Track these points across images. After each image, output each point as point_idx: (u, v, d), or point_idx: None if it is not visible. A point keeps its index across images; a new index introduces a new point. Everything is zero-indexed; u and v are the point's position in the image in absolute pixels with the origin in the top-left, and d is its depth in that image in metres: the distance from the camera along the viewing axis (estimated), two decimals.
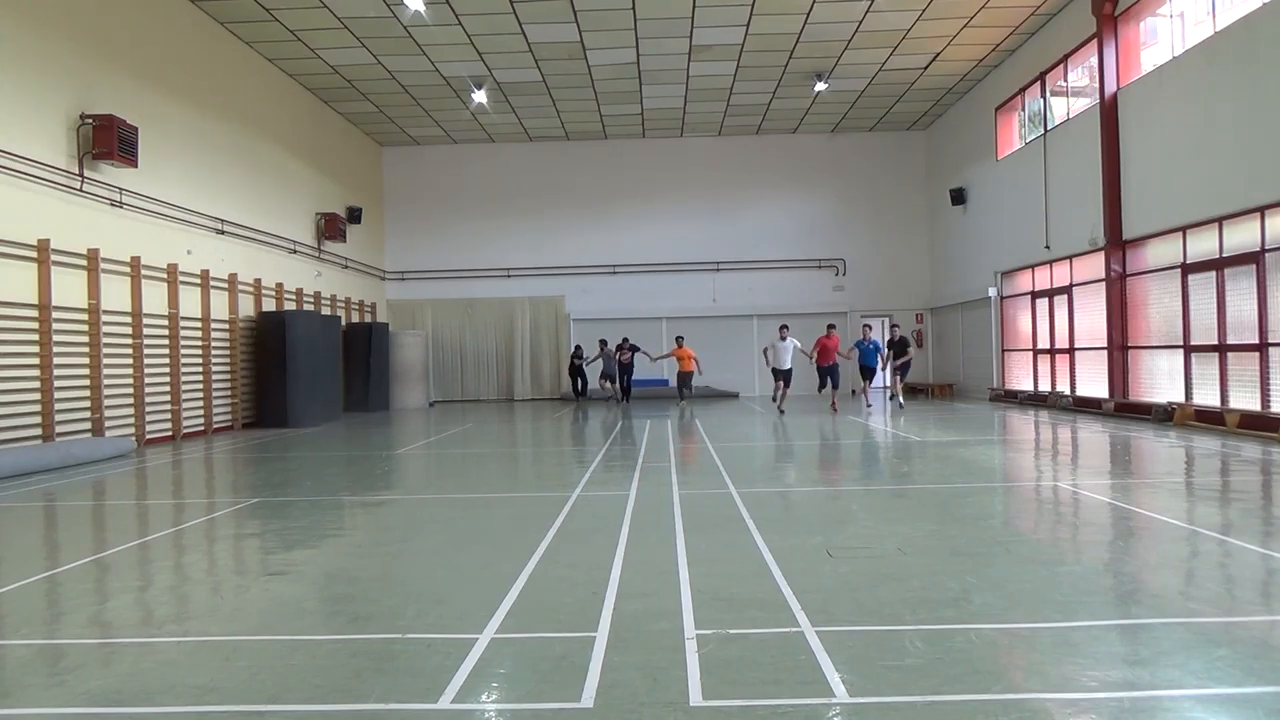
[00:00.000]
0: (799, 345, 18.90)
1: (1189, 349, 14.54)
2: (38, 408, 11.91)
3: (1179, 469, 9.58)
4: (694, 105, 23.41)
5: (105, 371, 13.19)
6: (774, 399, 19.12)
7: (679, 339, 22.43)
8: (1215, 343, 13.89)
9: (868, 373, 19.08)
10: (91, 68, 13.25)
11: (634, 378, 23.70)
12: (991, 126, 21.94)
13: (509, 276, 26.61)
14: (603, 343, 23.75)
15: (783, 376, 18.63)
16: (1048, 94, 19.43)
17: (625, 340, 23.45)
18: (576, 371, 24.55)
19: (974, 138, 23.02)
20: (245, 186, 17.91)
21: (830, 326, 19.57)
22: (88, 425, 12.83)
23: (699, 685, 3.47)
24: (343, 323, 22.24)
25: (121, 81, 13.88)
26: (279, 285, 19.16)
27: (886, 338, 20.66)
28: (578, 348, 24.92)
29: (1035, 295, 20.13)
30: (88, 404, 12.88)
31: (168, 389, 15.00)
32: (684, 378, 21.66)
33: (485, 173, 26.55)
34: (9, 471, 10.28)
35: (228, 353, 17.08)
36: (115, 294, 13.58)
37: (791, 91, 22.32)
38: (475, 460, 11.91)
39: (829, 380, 18.91)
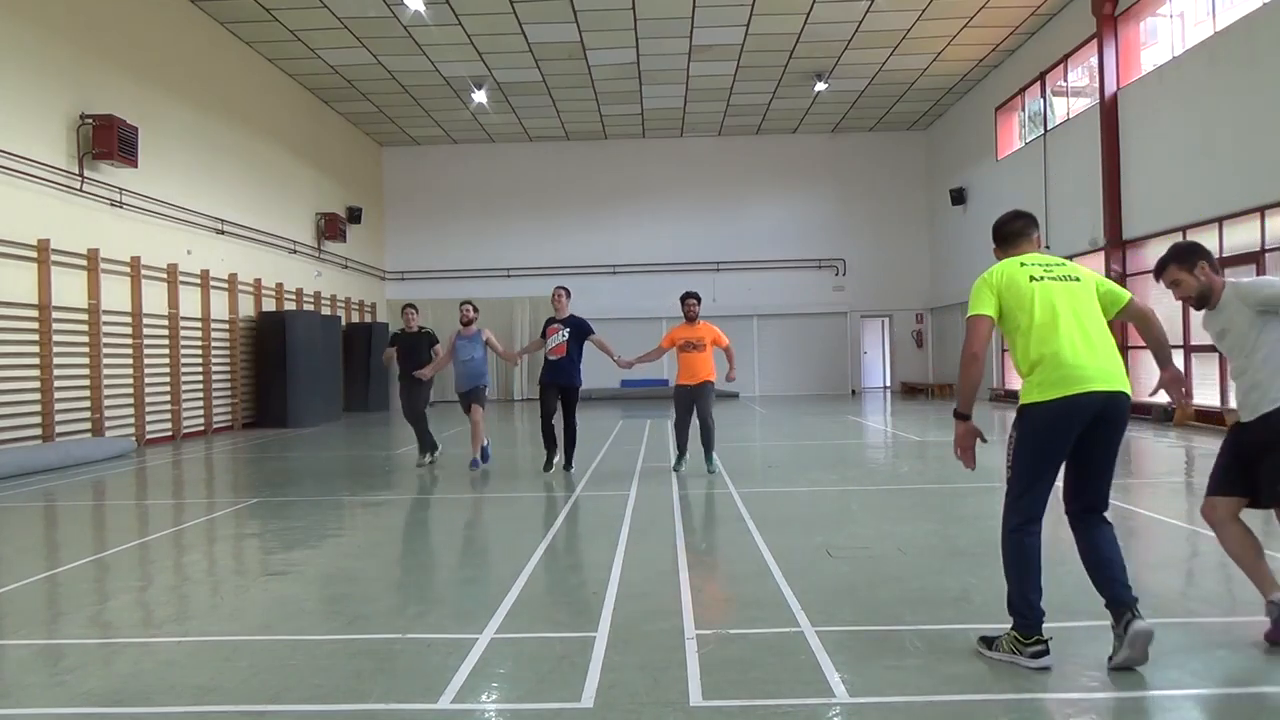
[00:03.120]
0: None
1: (1189, 349, 14.52)
2: (38, 408, 11.90)
3: (1179, 469, 9.57)
4: (694, 105, 23.40)
5: (105, 371, 13.17)
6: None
7: (690, 299, 10.28)
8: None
9: None
10: (91, 68, 13.24)
11: (623, 381, 12.04)
12: (991, 126, 21.93)
13: (509, 276, 26.59)
14: (469, 310, 10.88)
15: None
16: (1048, 94, 19.42)
17: (560, 296, 10.77)
18: (408, 384, 10.76)
19: (974, 138, 23.00)
20: (245, 186, 17.90)
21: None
22: (88, 425, 12.81)
23: (699, 685, 3.47)
24: (343, 323, 22.23)
25: (121, 81, 13.87)
26: (279, 285, 19.15)
27: None
28: (418, 328, 11.31)
29: None
30: (88, 404, 12.87)
31: (168, 389, 14.98)
32: (700, 394, 9.93)
33: (485, 173, 26.53)
34: (9, 471, 10.27)
35: (228, 353, 17.07)
36: (115, 294, 13.56)
37: (791, 91, 22.31)
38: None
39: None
